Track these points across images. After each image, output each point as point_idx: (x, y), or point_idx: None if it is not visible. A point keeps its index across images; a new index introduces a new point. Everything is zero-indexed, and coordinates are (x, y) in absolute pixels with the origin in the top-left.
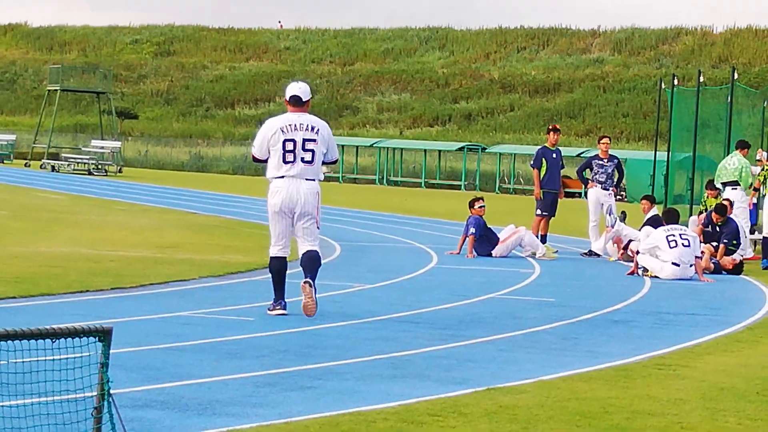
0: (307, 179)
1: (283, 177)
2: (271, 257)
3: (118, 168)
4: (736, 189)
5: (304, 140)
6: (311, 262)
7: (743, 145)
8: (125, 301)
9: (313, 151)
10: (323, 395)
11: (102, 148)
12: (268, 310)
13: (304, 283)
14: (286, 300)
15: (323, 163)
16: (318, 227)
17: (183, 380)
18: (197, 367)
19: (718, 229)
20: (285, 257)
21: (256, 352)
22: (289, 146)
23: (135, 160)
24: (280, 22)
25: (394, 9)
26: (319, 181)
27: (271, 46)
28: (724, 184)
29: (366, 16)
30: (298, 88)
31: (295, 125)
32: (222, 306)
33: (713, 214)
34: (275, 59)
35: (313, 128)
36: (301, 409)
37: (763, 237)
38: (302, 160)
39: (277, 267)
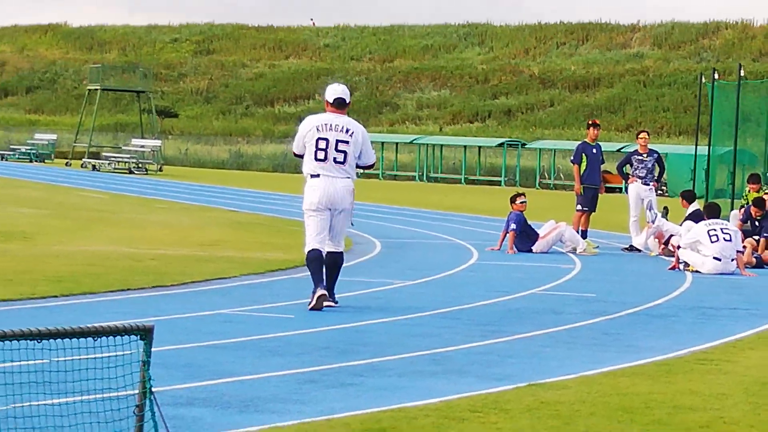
0: (341, 178)
1: (319, 175)
2: (308, 250)
3: (159, 166)
4: None
5: (338, 141)
6: (334, 266)
7: None
8: (166, 299)
9: (345, 152)
10: (364, 392)
11: (142, 146)
12: (309, 306)
13: (320, 296)
14: (325, 284)
15: (358, 166)
16: (347, 224)
17: (224, 378)
18: (238, 364)
19: (757, 223)
20: (322, 249)
21: (297, 349)
22: (322, 144)
23: (175, 159)
24: (312, 19)
25: (433, 5)
26: (354, 180)
27: (311, 44)
28: None
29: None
30: (342, 91)
31: (331, 125)
32: (263, 303)
33: (752, 207)
34: (314, 57)
35: (347, 131)
36: (342, 406)
37: None
38: (334, 160)
39: (314, 257)
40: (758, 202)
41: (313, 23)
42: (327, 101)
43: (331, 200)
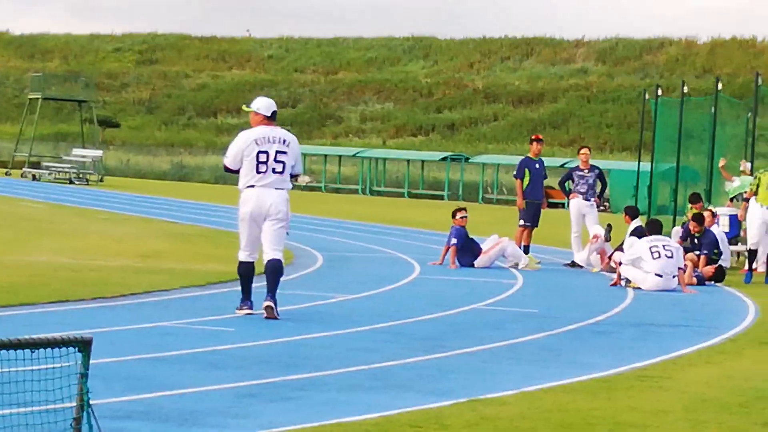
0: (276, 188)
1: (254, 186)
2: (240, 261)
3: (100, 177)
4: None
5: (277, 152)
6: (274, 273)
7: None
8: (106, 311)
9: (283, 162)
10: (304, 406)
11: (83, 156)
12: (236, 309)
13: (266, 307)
14: (253, 300)
15: (291, 175)
16: (282, 232)
17: (163, 391)
18: (178, 377)
19: (696, 240)
20: (253, 262)
21: (237, 362)
22: (263, 158)
23: (116, 169)
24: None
25: (378, 18)
26: (288, 190)
27: (254, 55)
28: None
29: (349, 25)
30: (270, 104)
31: (269, 138)
32: (203, 316)
33: (691, 223)
34: (258, 68)
35: (284, 141)
36: (282, 420)
37: (748, 249)
38: (273, 170)
39: (246, 271)
40: (697, 218)
41: (249, 34)
42: (260, 114)
43: (266, 210)
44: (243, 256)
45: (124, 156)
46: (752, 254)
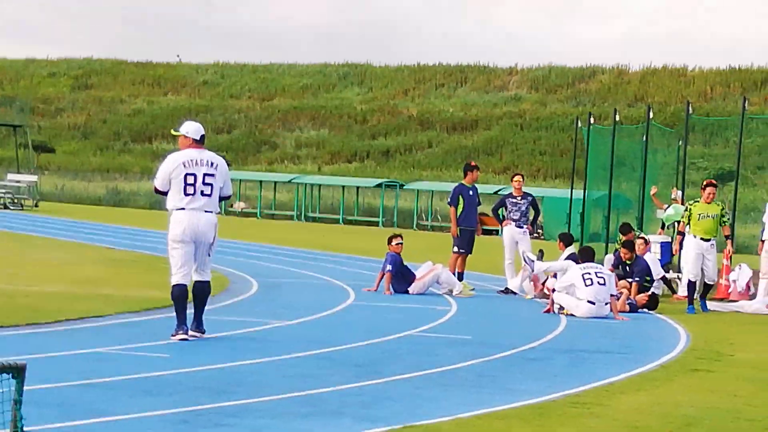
0: (206, 211)
1: (184, 209)
2: (173, 285)
3: (35, 202)
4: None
5: (205, 175)
6: (201, 298)
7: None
8: (40, 336)
9: (212, 185)
10: None
11: (18, 182)
12: (171, 335)
13: (192, 335)
14: (188, 326)
15: (219, 198)
16: (210, 255)
17: (97, 417)
18: (112, 403)
19: (628, 268)
20: (186, 284)
21: (172, 388)
22: (190, 180)
23: (52, 195)
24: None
25: (313, 45)
26: (217, 213)
27: (190, 81)
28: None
29: (285, 52)
30: (198, 128)
31: (197, 161)
32: (138, 342)
33: (621, 250)
34: (194, 94)
35: (212, 164)
36: None
37: (688, 281)
38: (202, 193)
39: (179, 294)
40: (628, 245)
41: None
42: (189, 137)
43: (195, 232)
44: (176, 279)
45: (59, 181)
46: (692, 287)
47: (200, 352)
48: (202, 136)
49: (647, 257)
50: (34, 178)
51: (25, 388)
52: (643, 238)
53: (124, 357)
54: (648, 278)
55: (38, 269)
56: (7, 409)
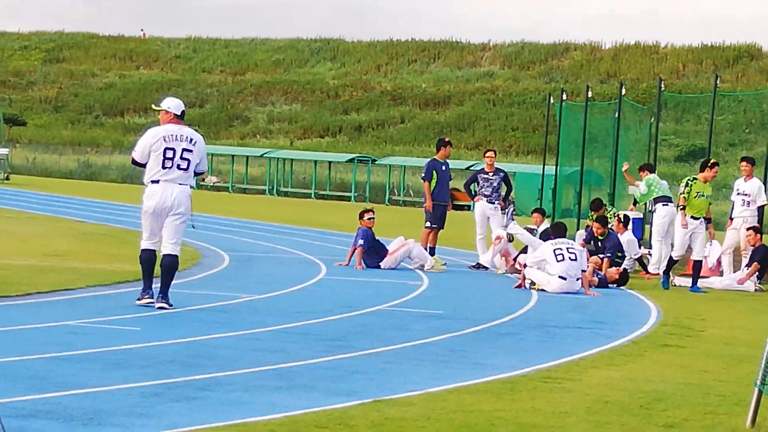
0: (180, 184)
1: (158, 181)
2: (142, 249)
3: (6, 175)
4: (667, 205)
5: (183, 150)
6: (170, 269)
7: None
8: (10, 309)
9: (189, 160)
10: (209, 406)
11: None
12: (137, 300)
13: (158, 306)
14: (154, 290)
15: (195, 173)
16: (181, 226)
17: (68, 390)
18: (82, 376)
19: (600, 243)
20: (155, 250)
21: (142, 361)
22: (169, 154)
23: (22, 168)
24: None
25: (286, 20)
26: (191, 187)
27: (162, 55)
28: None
29: (257, 27)
30: (182, 104)
31: (177, 136)
32: (109, 315)
33: (594, 225)
34: (165, 68)
35: (191, 140)
36: (186, 420)
37: (671, 257)
38: (179, 167)
39: (147, 257)
40: (601, 220)
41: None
42: (171, 112)
43: (168, 204)
44: (145, 244)
45: (30, 154)
46: (672, 263)
47: (171, 326)
48: (183, 112)
49: (626, 236)
50: (5, 151)
51: None
52: (619, 216)
53: (95, 330)
54: (619, 254)
55: (8, 242)
56: None
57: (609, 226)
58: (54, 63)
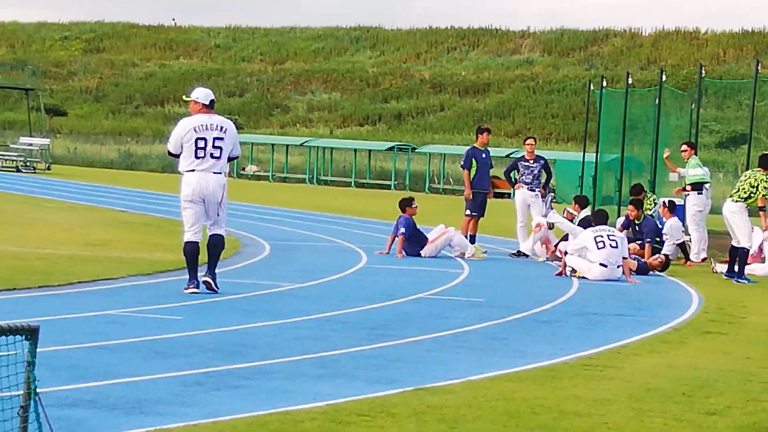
0: (214, 172)
1: (194, 170)
2: (185, 242)
3: (47, 165)
4: (701, 194)
5: (215, 139)
6: (215, 247)
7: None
8: (53, 299)
9: (221, 148)
10: (251, 395)
11: (30, 145)
12: (184, 288)
13: (204, 281)
14: (199, 279)
15: (228, 158)
16: (222, 212)
17: (110, 379)
18: (125, 365)
19: (638, 227)
20: (198, 242)
21: (184, 350)
22: (201, 144)
23: (64, 158)
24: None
25: (325, 8)
26: (226, 174)
27: (202, 44)
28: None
29: (296, 15)
30: (208, 93)
31: (207, 125)
32: (150, 304)
33: (629, 207)
34: (205, 57)
35: (222, 128)
36: (228, 409)
37: (743, 249)
38: (211, 155)
39: (191, 250)
40: (635, 203)
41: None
42: (199, 102)
43: (204, 192)
44: (188, 236)
45: (71, 144)
46: (746, 256)
47: (213, 315)
48: (212, 101)
49: (671, 221)
50: (46, 141)
51: (38, 350)
52: (665, 202)
53: (136, 319)
54: (657, 239)
55: (50, 232)
56: (21, 371)
57: (650, 211)
58: (94, 53)
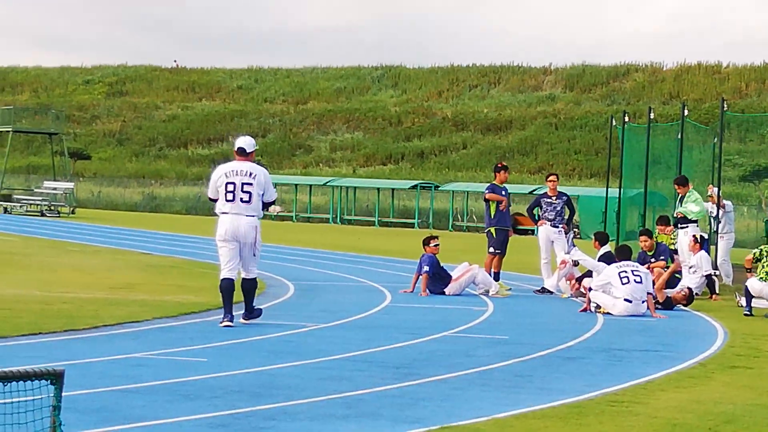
0: (247, 215)
1: (227, 213)
2: (221, 279)
3: (71, 209)
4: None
5: (243, 183)
6: (248, 293)
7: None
8: (78, 343)
9: (250, 192)
10: None
11: (55, 189)
12: (220, 323)
13: (243, 321)
14: (233, 314)
15: (264, 203)
16: (255, 254)
17: (136, 422)
18: (151, 408)
19: (653, 260)
20: (233, 279)
21: (210, 392)
22: (230, 188)
23: (88, 201)
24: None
25: (347, 47)
26: (259, 217)
27: (224, 86)
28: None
29: (318, 55)
30: (243, 142)
31: (237, 171)
32: (175, 347)
33: (640, 237)
34: (228, 99)
35: (251, 174)
36: None
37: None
38: (241, 200)
39: (226, 286)
40: (645, 232)
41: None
42: (234, 150)
43: (236, 233)
44: (223, 273)
45: (95, 188)
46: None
47: (238, 356)
48: (239, 149)
49: (700, 254)
50: (70, 185)
51: (63, 394)
52: (695, 236)
53: (162, 362)
54: (670, 260)
55: (75, 275)
56: (46, 416)
57: (673, 245)
58: (117, 96)
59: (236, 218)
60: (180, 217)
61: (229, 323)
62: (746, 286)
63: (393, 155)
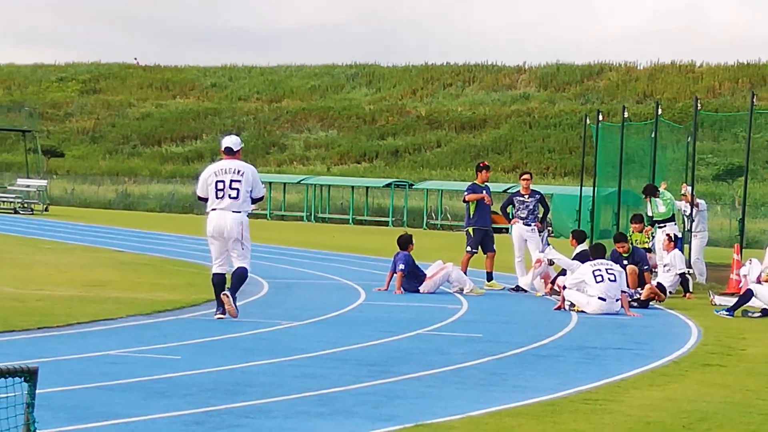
0: (233, 211)
1: (215, 209)
2: (212, 273)
3: (45, 206)
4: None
5: (231, 181)
6: (237, 278)
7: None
8: (52, 340)
9: (238, 189)
10: None
11: (28, 186)
12: (214, 315)
13: (223, 294)
14: (224, 307)
15: (252, 200)
16: (243, 248)
17: (111, 419)
18: (125, 406)
19: (626, 262)
20: (223, 273)
21: (184, 390)
22: (220, 186)
23: (61, 199)
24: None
25: (321, 46)
26: (246, 213)
27: (198, 84)
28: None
29: (292, 54)
30: (230, 141)
31: (225, 169)
32: (149, 344)
33: (616, 244)
34: (202, 96)
35: (238, 171)
36: None
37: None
38: (229, 196)
39: (218, 281)
40: (620, 238)
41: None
42: (221, 150)
43: (221, 230)
44: (214, 269)
45: (68, 185)
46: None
47: (212, 353)
48: (226, 148)
49: (674, 252)
50: (43, 182)
51: (37, 391)
52: (669, 234)
53: (136, 359)
54: (646, 267)
55: (48, 273)
56: (20, 413)
57: (648, 244)
58: (91, 94)
59: (223, 215)
60: (154, 214)
61: (222, 315)
62: (751, 290)
63: (367, 153)
